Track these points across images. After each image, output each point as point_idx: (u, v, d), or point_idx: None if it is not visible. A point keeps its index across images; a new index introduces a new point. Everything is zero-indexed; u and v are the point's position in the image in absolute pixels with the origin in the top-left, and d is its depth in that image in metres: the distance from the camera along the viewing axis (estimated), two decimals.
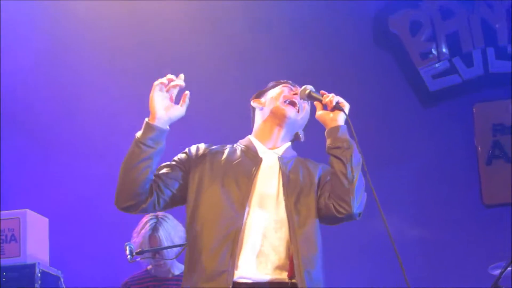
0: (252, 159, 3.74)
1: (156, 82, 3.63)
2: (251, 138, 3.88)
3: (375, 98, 8.04)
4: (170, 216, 5.69)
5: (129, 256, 5.27)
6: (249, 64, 7.93)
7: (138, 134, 3.64)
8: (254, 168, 3.69)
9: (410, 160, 7.81)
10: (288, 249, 3.56)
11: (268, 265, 3.54)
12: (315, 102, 3.81)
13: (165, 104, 3.64)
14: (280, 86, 3.95)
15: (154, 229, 5.59)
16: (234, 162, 3.71)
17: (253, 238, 3.55)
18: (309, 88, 3.84)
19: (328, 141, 3.69)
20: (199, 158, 3.77)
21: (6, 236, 6.50)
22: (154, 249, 5.50)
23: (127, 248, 5.30)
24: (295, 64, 7.80)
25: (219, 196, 3.60)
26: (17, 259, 6.45)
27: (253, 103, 3.97)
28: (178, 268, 5.67)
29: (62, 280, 6.62)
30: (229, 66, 8.03)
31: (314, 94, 3.82)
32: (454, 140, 7.89)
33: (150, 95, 3.62)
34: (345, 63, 8.06)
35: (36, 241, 6.59)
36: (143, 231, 5.62)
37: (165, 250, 5.51)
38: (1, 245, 6.48)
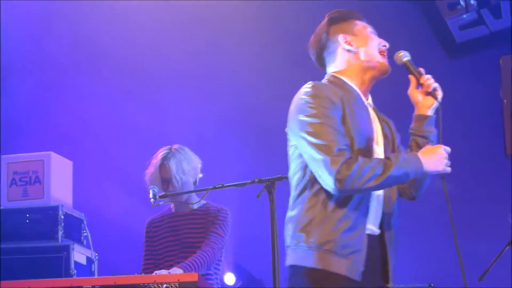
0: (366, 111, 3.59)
1: None
2: (351, 84, 3.61)
3: (401, 48, 7.99)
4: (186, 149, 5.68)
5: (152, 200, 5.29)
6: None
7: None
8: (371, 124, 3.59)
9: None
10: None
11: None
12: (410, 76, 3.70)
13: None
14: (368, 29, 3.71)
15: (165, 158, 5.60)
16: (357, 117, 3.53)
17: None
18: (407, 56, 3.71)
19: (415, 125, 3.66)
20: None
21: (30, 178, 6.56)
22: (176, 193, 5.51)
23: (151, 191, 5.31)
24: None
25: None
26: (41, 201, 6.52)
27: (344, 44, 3.65)
28: (197, 203, 5.64)
29: (85, 222, 6.67)
30: None
31: (412, 67, 3.69)
32: (479, 91, 7.84)
33: None
34: (372, 13, 7.98)
35: (59, 184, 6.64)
36: (155, 161, 5.64)
37: (176, 182, 5.51)
38: (25, 186, 6.53)
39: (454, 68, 7.99)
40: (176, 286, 4.87)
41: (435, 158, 3.44)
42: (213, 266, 5.50)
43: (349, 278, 3.31)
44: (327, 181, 3.28)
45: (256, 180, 4.80)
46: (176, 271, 5.10)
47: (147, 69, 8.28)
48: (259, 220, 5.40)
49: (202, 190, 5.33)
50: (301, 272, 3.35)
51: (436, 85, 3.65)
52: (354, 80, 3.59)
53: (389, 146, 3.61)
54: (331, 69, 3.66)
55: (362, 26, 3.70)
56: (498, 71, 7.88)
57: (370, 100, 3.66)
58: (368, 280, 3.38)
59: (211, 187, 5.06)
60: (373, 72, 3.62)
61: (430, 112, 3.66)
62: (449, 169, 3.46)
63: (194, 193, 5.58)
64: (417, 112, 3.66)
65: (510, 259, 5.92)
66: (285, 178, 4.80)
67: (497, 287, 6.31)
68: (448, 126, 7.59)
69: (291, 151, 3.51)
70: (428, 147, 3.50)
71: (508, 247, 5.84)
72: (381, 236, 3.48)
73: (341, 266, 3.30)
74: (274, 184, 4.72)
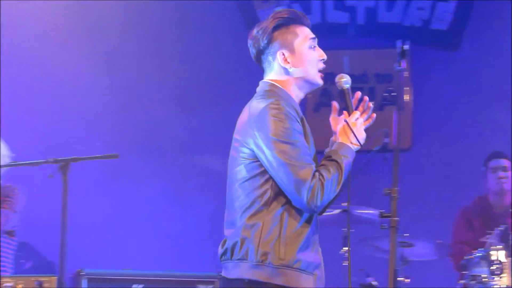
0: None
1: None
2: (293, 97, 3.58)
3: (214, 40, 8.00)
4: None
5: None
6: None
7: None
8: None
9: (238, 102, 7.84)
10: None
11: None
12: (334, 102, 3.63)
13: None
14: (307, 42, 3.57)
15: None
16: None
17: None
18: (348, 84, 3.57)
19: (333, 147, 3.53)
20: None
21: None
22: None
23: None
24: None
25: None
26: None
27: (281, 61, 3.56)
28: None
29: None
30: None
31: (349, 96, 3.56)
32: None
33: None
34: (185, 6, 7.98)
35: None
36: None
37: None
38: None
39: None
40: None
41: (362, 134, 3.52)
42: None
43: None
44: (303, 202, 3.32)
45: (51, 160, 4.67)
46: None
47: None
48: (51, 200, 5.23)
49: None
50: None
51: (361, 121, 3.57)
52: (292, 93, 3.56)
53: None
54: (270, 76, 3.59)
55: (302, 39, 3.57)
56: None
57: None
58: None
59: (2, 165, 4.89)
60: (305, 90, 3.60)
61: (348, 142, 3.54)
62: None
63: None
64: (338, 138, 3.55)
65: None
66: (81, 160, 4.68)
67: None
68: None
69: (241, 156, 3.46)
70: (341, 129, 3.52)
71: None
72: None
73: (309, 282, 3.41)
74: (69, 165, 4.59)
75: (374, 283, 6.24)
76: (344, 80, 3.56)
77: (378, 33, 7.92)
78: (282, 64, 3.54)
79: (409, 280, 6.27)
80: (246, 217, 3.41)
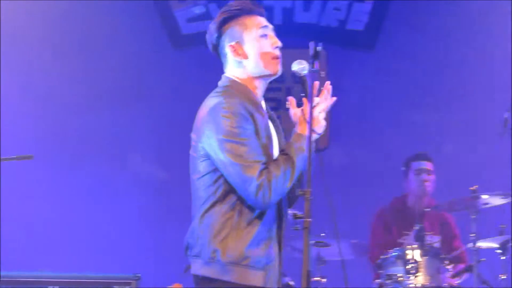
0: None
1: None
2: (251, 90, 3.56)
3: (130, 40, 7.93)
4: None
5: None
6: None
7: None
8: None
9: (153, 100, 7.85)
10: None
11: None
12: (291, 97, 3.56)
13: None
14: (259, 30, 3.53)
15: None
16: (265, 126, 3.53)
17: None
18: (305, 70, 3.48)
19: (290, 139, 3.50)
20: None
21: None
22: None
23: None
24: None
25: None
26: None
27: (232, 55, 3.55)
28: None
29: None
30: None
31: (307, 84, 3.46)
32: (200, 84, 7.87)
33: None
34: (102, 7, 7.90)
35: None
36: None
37: None
38: None
39: (179, 59, 7.99)
40: None
41: (318, 123, 3.47)
42: None
43: None
44: (253, 200, 3.35)
45: None
46: None
47: None
48: None
49: None
50: (218, 285, 3.41)
51: (321, 114, 3.49)
52: (250, 86, 3.54)
53: (280, 145, 3.57)
54: (227, 71, 3.59)
55: (251, 29, 3.53)
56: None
57: (263, 103, 3.59)
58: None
59: None
60: (264, 80, 3.56)
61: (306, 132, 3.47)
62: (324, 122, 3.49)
63: None
64: (298, 129, 3.50)
65: None
66: None
67: None
68: (168, 116, 7.74)
69: (197, 154, 3.49)
70: (300, 119, 3.47)
71: None
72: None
73: (258, 279, 3.41)
74: None
75: (291, 283, 6.26)
76: (301, 67, 3.49)
77: (295, 33, 7.93)
78: (234, 57, 3.53)
79: (325, 279, 6.31)
80: (201, 213, 3.46)
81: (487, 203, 6.06)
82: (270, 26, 3.58)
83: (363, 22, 8.16)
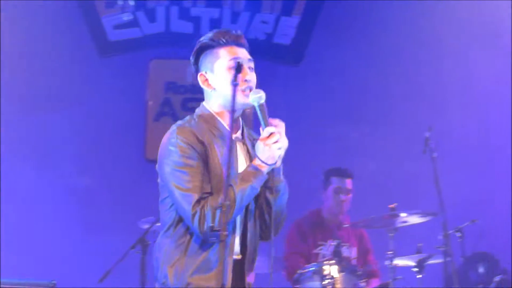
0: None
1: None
2: (220, 120, 3.56)
3: (56, 45, 7.83)
4: None
5: None
6: None
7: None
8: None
9: (77, 107, 7.76)
10: None
11: None
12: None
13: None
14: (229, 63, 3.48)
15: None
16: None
17: None
18: (263, 100, 3.41)
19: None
20: None
21: None
22: None
23: None
24: None
25: None
26: None
27: (202, 84, 3.56)
28: None
29: None
30: None
31: (264, 112, 3.41)
32: (126, 92, 7.86)
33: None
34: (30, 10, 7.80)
35: None
36: None
37: None
38: None
39: (104, 67, 7.93)
40: None
41: (267, 154, 3.38)
42: None
43: None
44: (192, 227, 3.35)
45: None
46: None
47: None
48: None
49: None
50: None
51: (278, 144, 3.41)
52: (220, 115, 3.54)
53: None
54: (205, 98, 3.60)
55: (223, 59, 3.49)
56: (147, 74, 7.98)
57: (239, 133, 3.55)
58: None
59: None
60: (235, 109, 3.46)
61: (278, 163, 3.46)
62: (282, 151, 3.43)
63: None
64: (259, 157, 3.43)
65: (139, 261, 5.96)
66: None
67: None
68: (91, 124, 7.66)
69: (159, 179, 3.53)
70: (260, 146, 3.39)
71: (131, 250, 5.91)
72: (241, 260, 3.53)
73: None
74: None
75: None
76: (260, 96, 3.42)
77: None
78: (202, 86, 3.55)
79: None
80: (160, 236, 3.49)
81: (405, 222, 6.11)
82: (246, 58, 3.53)
83: (289, 36, 8.21)
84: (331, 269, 5.90)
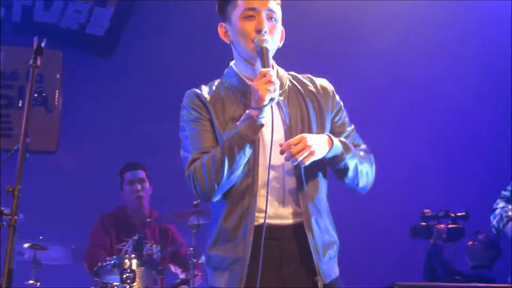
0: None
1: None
2: (245, 76, 3.36)
3: None
4: None
5: None
6: None
7: None
8: None
9: None
10: None
11: None
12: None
13: None
14: (244, 12, 3.27)
15: None
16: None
17: None
18: (266, 43, 3.21)
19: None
20: None
21: None
22: None
23: None
24: None
25: None
26: None
27: (221, 35, 3.39)
28: None
29: None
30: None
31: (266, 55, 3.21)
32: None
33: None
34: None
35: None
36: None
37: None
38: None
39: None
40: None
41: (256, 96, 3.09)
42: None
43: None
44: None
45: None
46: None
47: None
48: None
49: None
50: None
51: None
52: (238, 69, 3.36)
53: (294, 131, 3.26)
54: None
55: (238, 10, 3.28)
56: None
57: (281, 81, 3.29)
58: (268, 281, 3.16)
59: None
60: (250, 62, 3.30)
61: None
62: (276, 93, 3.11)
63: None
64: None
65: None
66: None
67: None
68: None
69: None
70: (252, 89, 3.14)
71: None
72: (297, 225, 3.22)
73: (222, 281, 3.22)
74: None
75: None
76: (264, 39, 3.22)
77: (34, 31, 7.75)
78: (223, 38, 3.38)
79: (39, 283, 6.20)
80: None
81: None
82: (264, 8, 3.29)
83: (103, 27, 8.14)
84: (132, 263, 5.91)
